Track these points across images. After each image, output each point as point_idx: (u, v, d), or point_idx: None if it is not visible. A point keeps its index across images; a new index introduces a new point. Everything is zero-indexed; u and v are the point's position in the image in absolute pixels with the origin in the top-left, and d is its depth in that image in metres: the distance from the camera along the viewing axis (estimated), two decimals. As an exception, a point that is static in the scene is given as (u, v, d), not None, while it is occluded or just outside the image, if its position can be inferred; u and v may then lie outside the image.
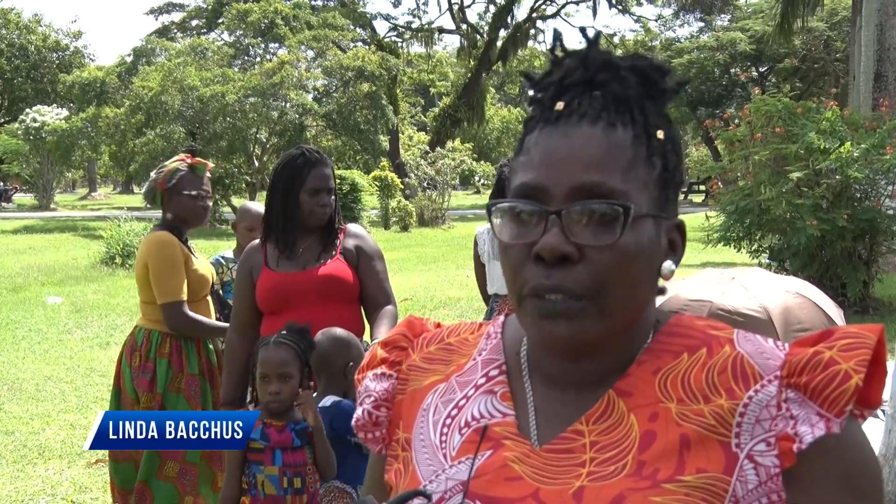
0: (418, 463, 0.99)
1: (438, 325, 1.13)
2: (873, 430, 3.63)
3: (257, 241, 3.20)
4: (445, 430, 0.99)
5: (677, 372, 0.92)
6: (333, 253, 3.14)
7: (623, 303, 0.90)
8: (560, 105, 0.92)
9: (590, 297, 0.88)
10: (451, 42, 47.32)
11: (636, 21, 39.50)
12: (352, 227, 3.28)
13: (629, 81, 0.92)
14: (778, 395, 0.87)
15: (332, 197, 3.15)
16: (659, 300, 1.03)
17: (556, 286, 0.88)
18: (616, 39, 38.67)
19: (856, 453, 0.88)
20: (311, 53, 28.82)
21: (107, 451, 3.69)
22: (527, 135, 0.96)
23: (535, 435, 0.94)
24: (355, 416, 1.09)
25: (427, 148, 27.51)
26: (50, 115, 30.42)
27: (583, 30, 1.00)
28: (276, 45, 29.64)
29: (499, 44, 34.37)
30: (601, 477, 0.88)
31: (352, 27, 33.25)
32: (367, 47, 30.67)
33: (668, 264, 0.94)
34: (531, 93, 0.97)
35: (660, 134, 0.93)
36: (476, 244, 4.62)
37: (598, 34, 0.97)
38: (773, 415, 0.87)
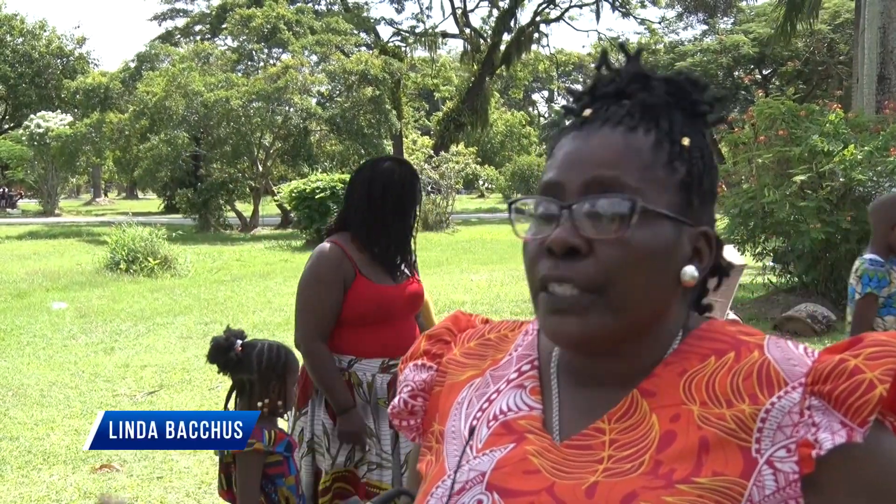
0: (447, 454, 1.01)
1: (486, 321, 1.16)
2: None
3: (334, 246, 2.99)
4: (475, 422, 1.02)
5: (703, 375, 0.92)
6: (410, 268, 3.14)
7: (631, 300, 0.91)
8: (587, 112, 0.97)
9: (596, 291, 0.90)
10: (455, 46, 47.33)
11: (640, 24, 39.52)
12: None
13: (658, 90, 0.95)
14: (801, 403, 0.86)
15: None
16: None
17: (561, 275, 0.90)
18: (620, 43, 38.61)
19: (884, 466, 0.86)
20: (314, 58, 28.86)
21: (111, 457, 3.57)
22: (557, 142, 0.99)
23: (557, 430, 0.95)
24: (392, 403, 1.13)
25: (431, 152, 27.50)
26: (54, 121, 30.50)
27: (622, 45, 1.04)
28: (280, 49, 29.68)
29: (502, 48, 34.37)
30: (616, 474, 0.88)
31: (355, 32, 33.28)
32: (370, 52, 30.70)
33: (689, 269, 0.93)
34: (566, 104, 1.02)
35: (685, 141, 0.94)
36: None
37: (640, 50, 1.01)
38: (796, 421, 0.86)
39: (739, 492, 0.84)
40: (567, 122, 1.00)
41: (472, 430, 1.01)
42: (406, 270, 3.09)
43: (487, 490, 0.92)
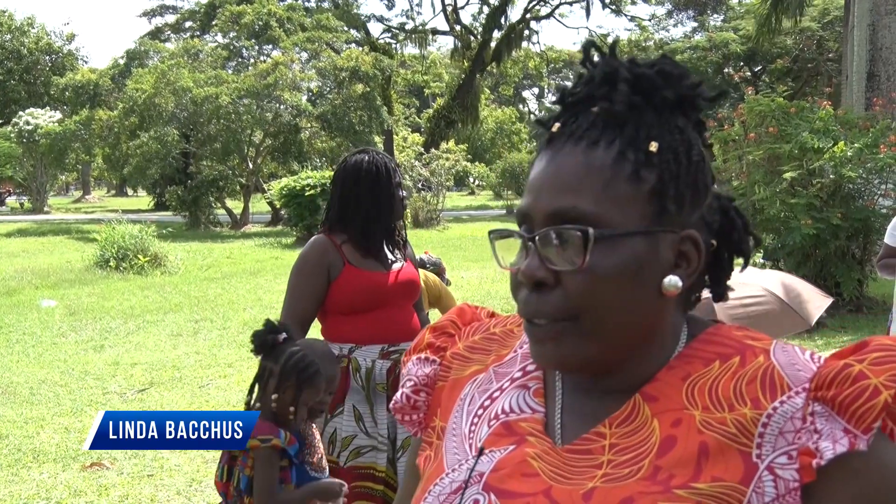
0: (446, 451, 1.00)
1: (492, 315, 1.14)
2: None
3: (322, 237, 3.08)
4: (476, 420, 1.00)
5: (706, 379, 0.90)
6: (403, 255, 3.19)
7: (605, 323, 0.89)
8: (555, 127, 0.93)
9: (568, 321, 0.89)
10: (445, 43, 47.42)
11: (631, 20, 39.58)
12: None
13: (622, 93, 0.90)
14: (804, 408, 0.84)
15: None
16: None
17: (535, 311, 0.90)
18: (610, 40, 38.69)
19: (885, 478, 0.83)
20: (304, 55, 28.80)
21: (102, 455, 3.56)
22: (535, 159, 0.96)
23: (558, 434, 0.94)
24: (394, 398, 1.11)
25: (421, 149, 27.48)
26: (43, 118, 30.33)
27: (591, 43, 0.97)
28: (270, 46, 29.60)
29: (492, 45, 34.37)
30: (614, 479, 0.87)
31: (345, 29, 33.21)
32: (360, 49, 30.64)
33: (671, 279, 0.90)
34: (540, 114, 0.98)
35: (652, 146, 0.89)
36: None
37: (615, 44, 0.96)
38: (798, 427, 0.84)
39: (739, 498, 0.82)
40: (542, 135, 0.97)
41: (471, 431, 1.00)
42: (397, 257, 3.14)
43: (484, 490, 0.91)
